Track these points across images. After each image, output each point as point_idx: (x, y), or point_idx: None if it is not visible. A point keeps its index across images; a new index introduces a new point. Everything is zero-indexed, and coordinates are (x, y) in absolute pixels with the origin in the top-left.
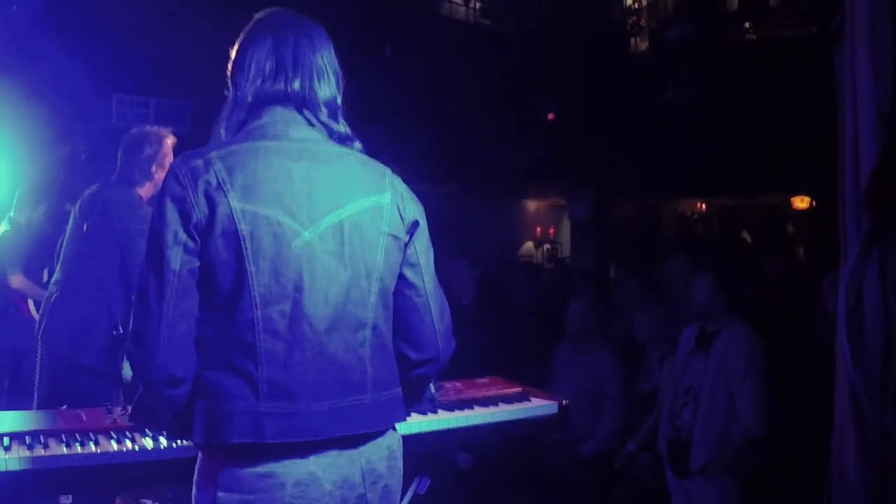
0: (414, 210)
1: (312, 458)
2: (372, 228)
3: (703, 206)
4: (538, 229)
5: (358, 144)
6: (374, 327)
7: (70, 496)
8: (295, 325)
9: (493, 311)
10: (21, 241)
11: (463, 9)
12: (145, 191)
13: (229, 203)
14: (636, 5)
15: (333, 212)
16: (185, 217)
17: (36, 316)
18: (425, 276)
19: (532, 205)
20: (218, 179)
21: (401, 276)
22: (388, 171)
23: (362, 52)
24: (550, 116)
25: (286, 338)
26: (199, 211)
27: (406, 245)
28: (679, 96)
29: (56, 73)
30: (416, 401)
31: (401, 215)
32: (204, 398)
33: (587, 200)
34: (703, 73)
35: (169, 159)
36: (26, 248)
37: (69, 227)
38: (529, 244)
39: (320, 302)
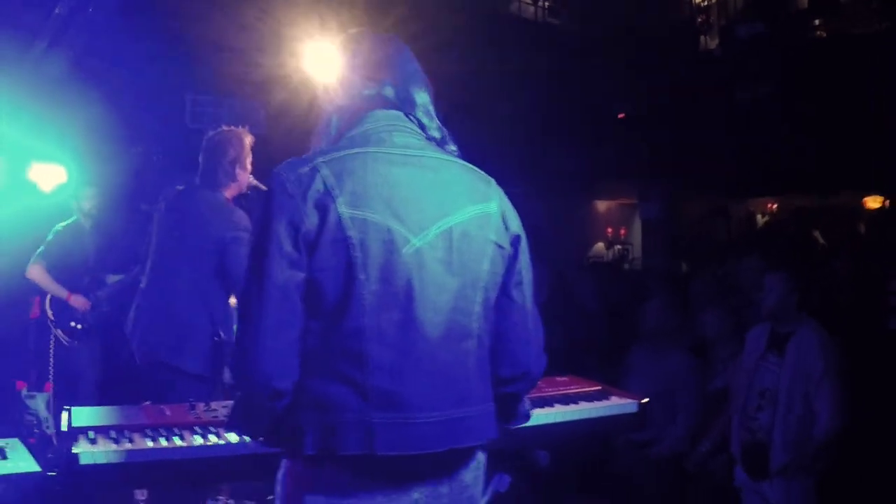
0: (517, 223)
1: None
2: (479, 236)
3: (774, 205)
4: (609, 230)
5: (453, 147)
6: (479, 338)
7: (146, 491)
8: (405, 333)
9: (564, 312)
10: (67, 241)
11: (532, 8)
12: (230, 192)
13: (338, 210)
14: (705, 3)
15: (441, 219)
16: (293, 228)
17: (50, 314)
18: (526, 293)
19: (602, 205)
20: (326, 186)
21: (504, 293)
22: (492, 180)
23: (431, 52)
24: (621, 115)
25: (397, 347)
26: (309, 221)
27: (512, 259)
28: (749, 94)
29: (130, 74)
30: (512, 417)
31: (506, 225)
32: (313, 410)
33: (658, 200)
34: (774, 70)
35: (250, 159)
36: (70, 251)
37: (155, 230)
38: (600, 245)
39: (430, 310)
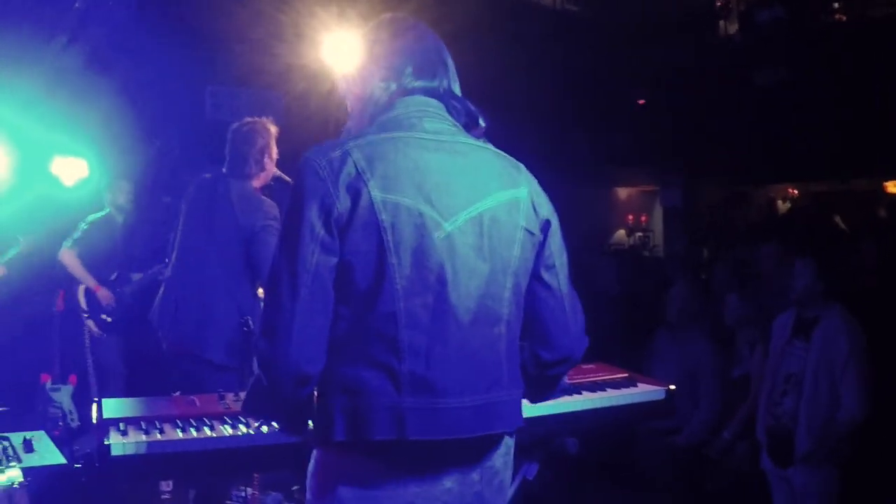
0: (547, 208)
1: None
2: (509, 222)
3: (795, 191)
4: (630, 217)
5: (482, 121)
6: (508, 323)
7: (171, 482)
8: (438, 318)
9: (586, 299)
10: (96, 234)
11: None
12: (258, 182)
13: (370, 193)
14: None
15: (472, 204)
16: (325, 212)
17: (83, 304)
18: (560, 278)
19: (623, 192)
20: (357, 170)
21: (537, 278)
22: (522, 165)
23: (450, 40)
24: (641, 102)
25: (429, 331)
26: (341, 204)
27: (541, 244)
28: (769, 79)
29: (149, 66)
30: (550, 394)
31: (535, 211)
32: (343, 394)
33: (678, 187)
34: (794, 55)
35: (276, 149)
36: (99, 243)
37: (182, 219)
38: (621, 232)
39: (463, 295)
